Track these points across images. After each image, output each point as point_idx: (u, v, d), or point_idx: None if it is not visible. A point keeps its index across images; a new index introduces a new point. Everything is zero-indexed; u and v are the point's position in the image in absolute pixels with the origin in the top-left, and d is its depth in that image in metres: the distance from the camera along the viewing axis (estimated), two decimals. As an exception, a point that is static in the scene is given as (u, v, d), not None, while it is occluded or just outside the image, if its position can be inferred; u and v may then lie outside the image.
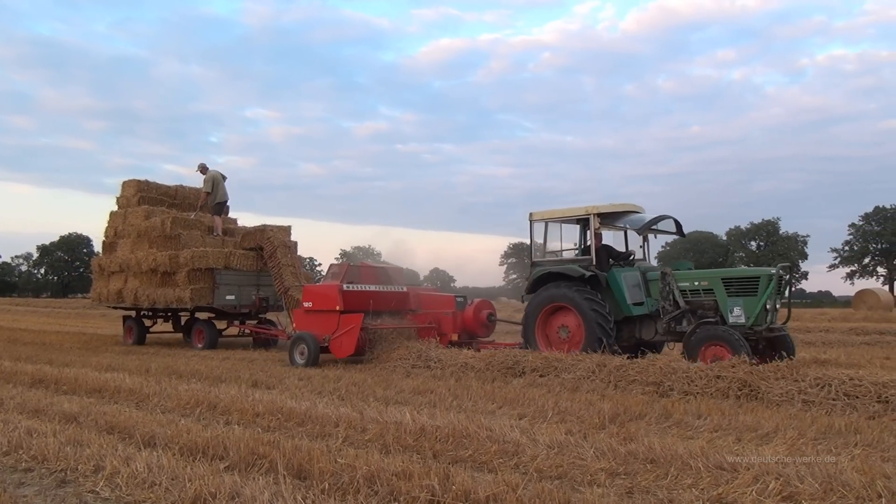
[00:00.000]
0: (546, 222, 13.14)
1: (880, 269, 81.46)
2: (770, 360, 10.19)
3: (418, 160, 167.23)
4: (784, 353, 10.43)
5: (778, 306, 11.10)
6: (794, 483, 4.63)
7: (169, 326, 20.55)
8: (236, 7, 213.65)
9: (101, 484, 4.87)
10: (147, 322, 20.11)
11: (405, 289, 14.94)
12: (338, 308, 13.09)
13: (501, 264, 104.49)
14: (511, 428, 6.42)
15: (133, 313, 20.10)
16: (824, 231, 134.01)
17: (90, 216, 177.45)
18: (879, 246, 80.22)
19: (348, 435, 6.40)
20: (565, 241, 13.36)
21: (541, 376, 10.38)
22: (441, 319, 14.24)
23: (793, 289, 11.92)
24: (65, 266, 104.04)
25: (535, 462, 5.33)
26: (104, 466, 5.18)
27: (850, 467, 4.95)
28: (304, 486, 4.78)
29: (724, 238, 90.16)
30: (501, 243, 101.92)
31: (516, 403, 8.22)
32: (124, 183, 20.72)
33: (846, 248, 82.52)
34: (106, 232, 20.64)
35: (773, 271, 10.85)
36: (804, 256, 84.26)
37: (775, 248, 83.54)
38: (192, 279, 17.52)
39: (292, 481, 4.86)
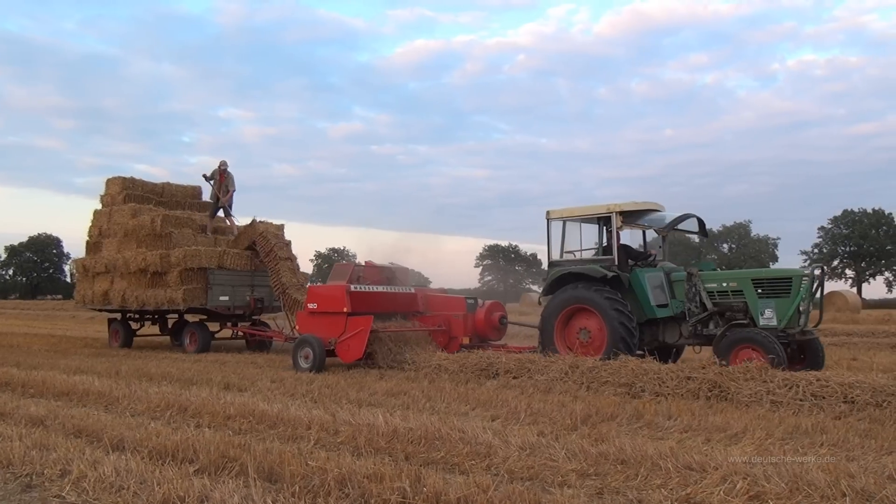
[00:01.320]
0: (564, 221, 12.69)
1: (848, 272, 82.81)
2: (801, 364, 10.12)
3: (393, 161, 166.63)
4: (814, 359, 10.47)
5: (810, 309, 10.76)
6: (761, 483, 4.70)
7: (156, 329, 19.94)
8: (209, 6, 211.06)
9: (68, 488, 4.80)
10: (133, 325, 19.47)
11: (413, 289, 14.39)
12: (345, 310, 12.46)
13: (477, 266, 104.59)
14: (483, 429, 6.44)
15: (118, 316, 19.44)
16: (794, 233, 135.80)
17: (60, 216, 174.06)
18: (848, 248, 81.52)
19: (320, 437, 6.38)
20: (575, 241, 12.87)
21: (514, 378, 10.41)
22: (451, 322, 13.71)
23: (823, 292, 11.68)
24: (34, 267, 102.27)
25: (506, 463, 5.36)
26: (71, 470, 5.11)
27: (815, 467, 5.03)
28: (275, 489, 4.75)
29: (697, 240, 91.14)
30: (476, 245, 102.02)
31: (489, 405, 8.25)
32: (108, 180, 19.96)
33: (815, 250, 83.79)
34: (89, 231, 19.84)
35: (808, 272, 10.58)
36: (775, 259, 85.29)
37: (747, 250, 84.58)
38: (184, 279, 16.86)
39: (263, 484, 4.83)
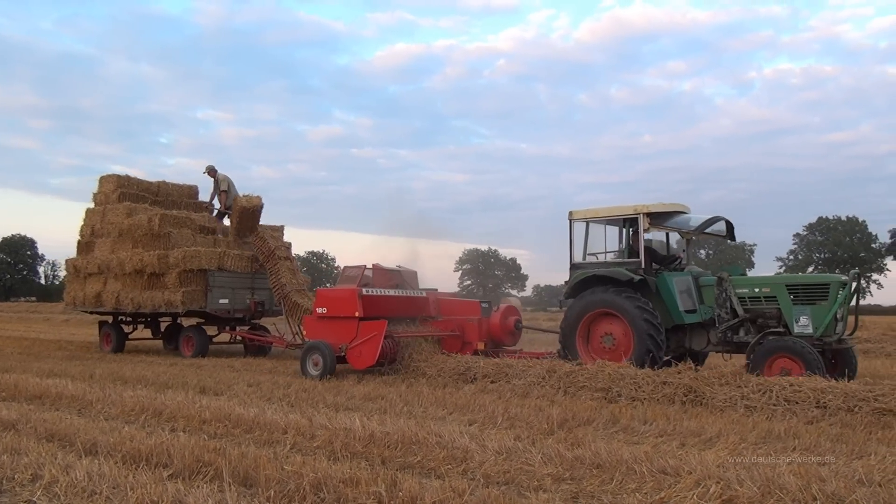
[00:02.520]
0: (587, 222, 12.21)
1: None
2: (834, 373, 9.68)
3: (373, 165, 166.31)
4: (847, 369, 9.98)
5: (847, 316, 10.43)
6: (733, 487, 4.74)
7: (145, 333, 19.15)
8: (188, 6, 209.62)
9: (39, 493, 4.74)
10: (124, 328, 18.77)
11: (424, 293, 13.89)
12: (357, 314, 11.95)
13: (456, 270, 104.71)
14: (460, 434, 6.44)
15: (109, 319, 18.77)
16: (770, 240, 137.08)
17: (35, 217, 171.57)
18: (822, 255, 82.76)
19: (296, 442, 6.35)
20: (598, 243, 12.40)
21: (492, 382, 10.43)
22: (465, 327, 13.22)
23: (859, 298, 11.16)
24: (7, 268, 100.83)
25: (482, 468, 5.36)
26: (42, 475, 5.05)
27: (787, 471, 5.10)
28: (250, 494, 4.73)
29: (675, 246, 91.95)
30: (456, 249, 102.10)
31: (466, 409, 8.25)
32: (102, 178, 19.30)
33: (791, 257, 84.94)
34: (81, 230, 19.14)
35: (845, 278, 10.26)
36: (751, 265, 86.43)
37: (723, 256, 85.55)
38: (183, 281, 16.25)
39: (237, 489, 4.80)
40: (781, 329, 10.30)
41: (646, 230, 11.48)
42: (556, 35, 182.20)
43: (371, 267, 13.95)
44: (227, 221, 18.61)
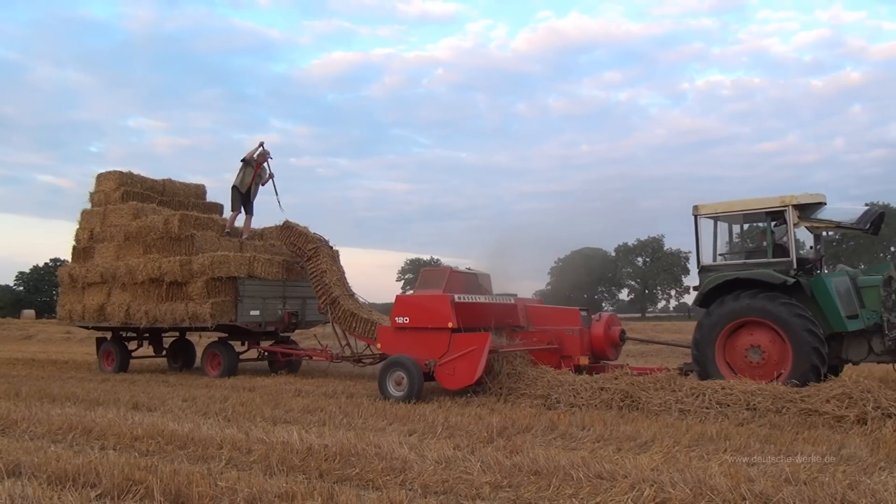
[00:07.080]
0: (715, 219, 10.84)
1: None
2: None
3: (312, 174, 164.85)
4: None
5: None
6: (667, 489, 4.85)
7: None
8: (116, 11, 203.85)
9: (-44, 518, 4.54)
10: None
11: (513, 300, 12.26)
12: (450, 325, 10.40)
13: (398, 280, 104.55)
14: (400, 444, 6.43)
15: (108, 335, 16.74)
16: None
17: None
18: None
19: (232, 457, 6.23)
20: (725, 240, 11.21)
21: (432, 391, 10.42)
22: (563, 338, 11.61)
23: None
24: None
25: (421, 478, 5.35)
26: (-40, 499, 4.83)
27: (718, 472, 5.25)
28: (182, 512, 4.61)
29: (614, 254, 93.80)
30: (398, 259, 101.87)
31: (407, 419, 8.23)
32: (100, 176, 17.38)
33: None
34: (77, 235, 17.14)
35: None
36: (686, 272, 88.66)
37: (660, 263, 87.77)
38: (210, 291, 14.35)
39: (169, 507, 4.68)
40: None
41: (795, 225, 10.11)
42: (494, 45, 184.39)
43: (445, 269, 12.67)
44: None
